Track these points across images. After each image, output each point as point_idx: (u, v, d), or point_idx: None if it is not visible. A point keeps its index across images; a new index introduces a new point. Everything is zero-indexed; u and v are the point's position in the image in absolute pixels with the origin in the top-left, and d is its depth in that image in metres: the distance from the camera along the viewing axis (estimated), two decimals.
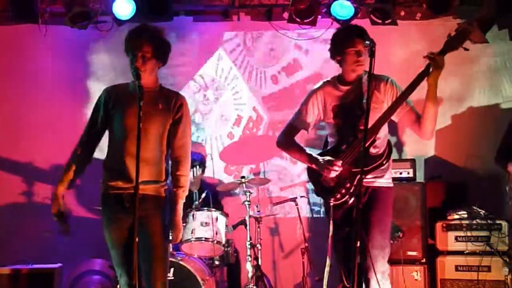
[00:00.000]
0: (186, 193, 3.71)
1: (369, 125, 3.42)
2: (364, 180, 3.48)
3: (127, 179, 3.46)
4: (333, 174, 3.62)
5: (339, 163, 3.60)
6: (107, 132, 3.75)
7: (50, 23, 6.29)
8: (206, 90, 6.82)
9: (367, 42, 3.36)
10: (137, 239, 3.14)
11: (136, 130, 3.26)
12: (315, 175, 3.79)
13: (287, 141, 3.97)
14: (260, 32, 6.75)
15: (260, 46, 6.77)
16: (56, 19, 6.32)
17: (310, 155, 3.82)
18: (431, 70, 3.49)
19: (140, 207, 3.39)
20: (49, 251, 6.21)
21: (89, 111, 3.89)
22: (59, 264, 6.00)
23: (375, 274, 3.51)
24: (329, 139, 3.90)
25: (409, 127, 3.78)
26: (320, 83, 3.91)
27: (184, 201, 3.70)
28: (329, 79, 3.89)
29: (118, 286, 5.06)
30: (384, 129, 3.71)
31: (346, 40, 3.67)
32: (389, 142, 3.72)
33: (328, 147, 3.87)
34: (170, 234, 3.60)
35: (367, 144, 3.46)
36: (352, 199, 3.58)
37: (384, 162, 3.64)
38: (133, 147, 3.28)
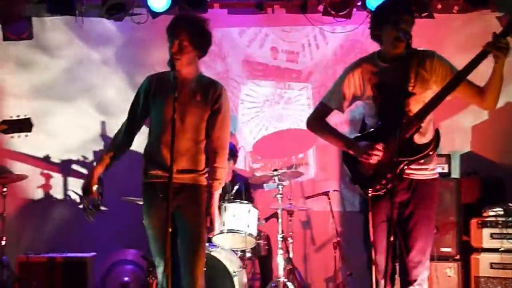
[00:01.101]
0: (222, 185, 3.72)
1: (416, 109, 3.28)
2: (408, 171, 3.32)
3: (165, 169, 3.42)
4: (373, 160, 3.34)
5: (380, 146, 3.32)
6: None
7: (86, 15, 6.36)
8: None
9: (400, 33, 3.24)
10: (170, 230, 3.14)
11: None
12: (352, 162, 3.49)
13: (319, 123, 3.66)
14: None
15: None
16: (92, 11, 6.39)
17: (347, 138, 3.56)
18: (497, 60, 3.18)
19: (178, 196, 3.43)
20: (83, 241, 6.29)
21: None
22: (92, 253, 6.10)
23: (418, 279, 3.36)
24: (367, 121, 3.59)
25: (468, 100, 3.48)
26: (357, 60, 3.60)
27: (220, 192, 3.71)
28: (367, 56, 3.59)
29: (150, 276, 5.16)
30: (430, 114, 3.39)
31: (387, 14, 3.37)
32: (437, 130, 3.37)
33: (367, 130, 3.56)
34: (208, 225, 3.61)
35: (412, 132, 3.26)
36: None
37: (431, 153, 3.33)
38: (169, 137, 3.28)
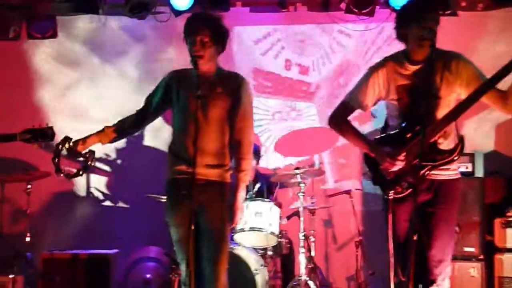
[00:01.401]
0: (249, 177, 3.72)
1: (440, 112, 3.25)
2: (429, 172, 3.30)
3: (189, 164, 3.42)
4: (395, 168, 3.33)
5: (402, 156, 3.31)
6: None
7: (109, 14, 6.42)
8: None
9: (425, 31, 3.21)
10: (192, 227, 3.15)
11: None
12: (373, 163, 3.47)
13: (341, 121, 3.61)
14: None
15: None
16: (115, 10, 6.44)
17: (370, 141, 3.52)
18: None
19: (202, 193, 3.45)
20: (106, 238, 6.34)
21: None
22: (115, 250, 6.14)
23: (438, 278, 3.34)
24: (390, 122, 3.55)
25: (492, 104, 3.37)
26: (383, 59, 3.54)
27: (246, 184, 3.70)
28: (392, 54, 3.53)
29: (172, 273, 5.18)
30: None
31: (413, 12, 3.33)
32: (461, 137, 3.35)
33: (389, 131, 3.52)
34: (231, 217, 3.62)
35: (436, 137, 3.25)
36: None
37: (455, 158, 3.32)
38: (193, 132, 3.29)
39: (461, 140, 3.33)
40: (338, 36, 6.72)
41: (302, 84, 6.78)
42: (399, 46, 3.53)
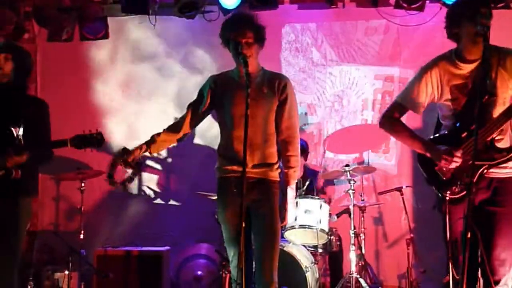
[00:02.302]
0: (298, 173, 3.75)
1: (496, 111, 3.19)
2: (487, 171, 3.23)
3: (239, 163, 3.46)
4: (452, 166, 3.27)
5: (459, 153, 3.25)
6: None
7: (159, 14, 6.50)
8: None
9: (479, 27, 3.12)
10: (244, 224, 3.17)
11: (243, 117, 3.31)
12: (428, 163, 3.41)
13: (393, 122, 3.56)
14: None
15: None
16: (165, 10, 6.52)
17: (425, 141, 3.45)
18: None
19: (252, 191, 3.49)
20: (158, 235, 6.43)
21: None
22: (167, 247, 6.22)
23: (503, 278, 3.23)
24: (443, 122, 3.49)
25: None
26: (434, 59, 3.46)
27: (296, 181, 3.74)
28: (445, 54, 3.44)
29: (223, 270, 5.22)
30: None
31: (464, 9, 3.25)
32: None
33: (442, 132, 3.48)
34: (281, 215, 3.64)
35: (492, 136, 3.19)
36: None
37: None
38: (243, 132, 3.32)
39: None
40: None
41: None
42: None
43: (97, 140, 3.90)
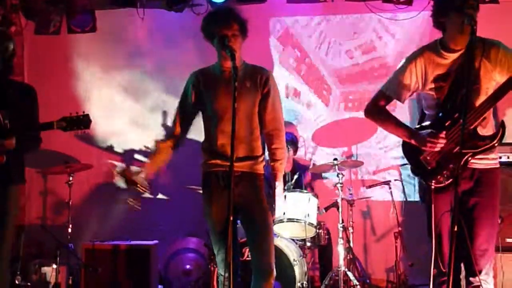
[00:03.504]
0: (285, 165, 3.75)
1: (479, 101, 3.21)
2: (470, 161, 3.26)
3: (224, 158, 3.49)
4: (437, 148, 3.28)
5: (443, 135, 3.26)
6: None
7: (147, 7, 6.47)
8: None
9: (466, 18, 3.13)
10: (231, 217, 3.16)
11: (227, 110, 3.32)
12: (413, 153, 3.44)
13: (378, 111, 3.57)
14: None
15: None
16: (153, 2, 6.49)
17: (409, 128, 3.47)
18: None
19: (239, 184, 3.49)
20: (146, 229, 6.41)
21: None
22: (155, 242, 6.20)
23: (484, 268, 3.28)
24: (427, 112, 3.51)
25: None
26: (419, 48, 3.49)
27: (283, 173, 3.74)
28: (430, 44, 3.47)
29: (211, 264, 5.22)
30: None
31: None
32: (502, 122, 3.27)
33: (426, 122, 3.48)
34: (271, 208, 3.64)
35: (476, 124, 3.21)
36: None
37: (496, 144, 3.25)
38: (227, 127, 3.32)
39: (502, 125, 3.27)
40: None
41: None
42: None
43: (84, 122, 3.88)
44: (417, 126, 3.53)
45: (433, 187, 3.34)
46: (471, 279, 3.32)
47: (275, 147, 3.71)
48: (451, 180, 3.28)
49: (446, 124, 3.31)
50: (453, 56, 3.35)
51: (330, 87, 6.70)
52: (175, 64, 6.86)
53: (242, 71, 3.67)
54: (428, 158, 3.37)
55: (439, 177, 3.33)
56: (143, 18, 6.44)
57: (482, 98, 3.26)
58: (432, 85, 3.39)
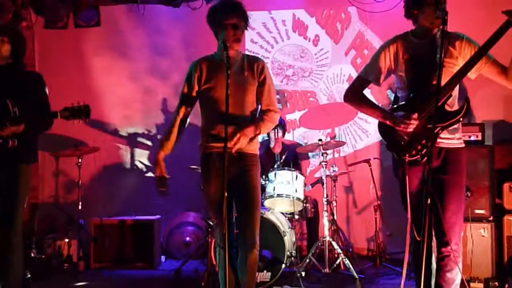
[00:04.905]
0: (267, 128, 3.69)
1: (444, 81, 3.23)
2: (438, 140, 3.29)
3: (221, 140, 3.49)
4: (410, 128, 3.30)
5: (415, 116, 3.27)
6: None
7: (147, 3, 6.42)
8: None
9: (438, 12, 3.19)
10: (226, 194, 3.19)
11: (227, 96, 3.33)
12: (387, 131, 3.46)
13: (356, 95, 3.59)
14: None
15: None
16: None
17: (384, 110, 3.50)
18: None
19: (233, 164, 3.53)
20: (150, 205, 6.43)
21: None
22: (158, 216, 6.24)
23: (453, 239, 3.31)
24: (399, 94, 3.55)
25: (495, 78, 3.37)
26: (393, 37, 3.52)
27: (259, 133, 3.62)
28: (401, 34, 3.51)
29: (209, 236, 5.24)
30: (456, 88, 3.38)
31: None
32: (467, 99, 3.29)
33: (399, 103, 3.51)
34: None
35: (443, 101, 3.23)
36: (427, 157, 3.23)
37: (461, 119, 3.29)
38: (225, 112, 3.32)
39: (466, 101, 3.32)
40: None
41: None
42: None
43: (84, 112, 3.92)
44: (391, 108, 3.55)
45: (406, 160, 3.34)
46: (442, 249, 3.36)
47: (265, 117, 3.67)
48: (424, 153, 3.29)
49: (417, 102, 3.33)
50: (422, 42, 3.40)
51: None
52: (170, 56, 6.84)
53: (241, 60, 3.71)
54: (402, 135, 3.39)
55: (412, 150, 3.34)
56: (143, 13, 6.38)
57: (447, 78, 3.28)
58: (403, 68, 3.43)
